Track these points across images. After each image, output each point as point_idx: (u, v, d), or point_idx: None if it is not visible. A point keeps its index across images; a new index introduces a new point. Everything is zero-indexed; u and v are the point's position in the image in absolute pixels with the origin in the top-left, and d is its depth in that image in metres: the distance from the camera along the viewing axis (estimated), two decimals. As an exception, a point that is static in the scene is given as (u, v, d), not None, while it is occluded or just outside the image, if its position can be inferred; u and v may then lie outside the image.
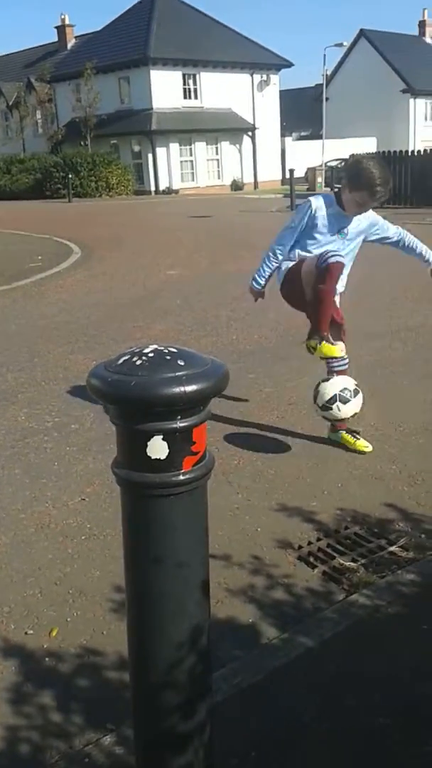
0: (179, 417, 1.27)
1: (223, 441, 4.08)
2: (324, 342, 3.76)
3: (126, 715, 1.78)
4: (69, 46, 39.56)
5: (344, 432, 3.95)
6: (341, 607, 2.53)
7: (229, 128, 33.39)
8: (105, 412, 1.33)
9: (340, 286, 3.87)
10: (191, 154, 33.16)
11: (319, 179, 28.35)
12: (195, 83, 32.83)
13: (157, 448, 1.27)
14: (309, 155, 33.69)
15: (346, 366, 3.90)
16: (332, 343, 3.77)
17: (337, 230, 3.76)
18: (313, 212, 3.74)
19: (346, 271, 3.82)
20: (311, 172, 29.22)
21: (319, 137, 36.12)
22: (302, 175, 28.66)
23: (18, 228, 16.71)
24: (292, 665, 2.22)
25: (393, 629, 2.38)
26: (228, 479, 3.61)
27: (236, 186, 33.89)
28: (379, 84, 38.94)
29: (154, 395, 1.23)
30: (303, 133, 44.83)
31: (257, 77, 34.65)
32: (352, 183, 3.62)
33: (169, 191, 31.77)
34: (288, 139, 36.94)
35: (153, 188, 32.02)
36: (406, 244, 3.98)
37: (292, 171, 20.86)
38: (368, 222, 3.85)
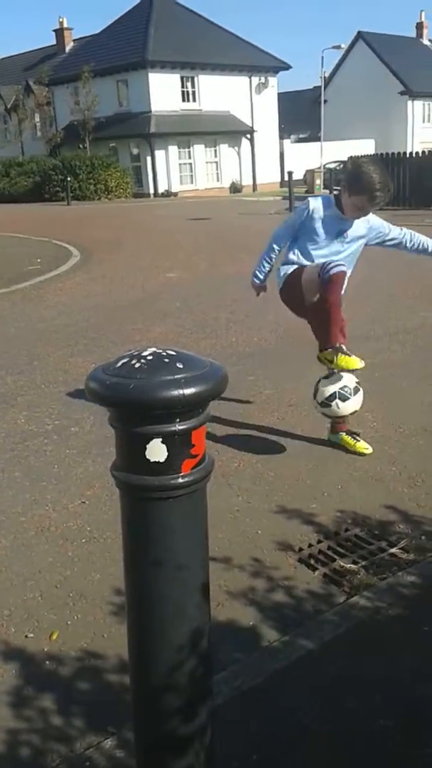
0: (178, 420, 1.27)
1: (223, 443, 4.08)
2: (341, 354, 3.58)
3: (127, 718, 1.78)
4: (67, 49, 39.55)
5: (344, 434, 3.95)
6: (342, 609, 2.53)
7: (227, 131, 33.41)
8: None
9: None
10: (190, 157, 33.16)
11: (318, 181, 28.41)
12: (193, 86, 32.84)
13: (156, 451, 1.27)
14: (307, 157, 33.68)
15: None
16: (349, 354, 3.57)
17: (335, 233, 3.74)
18: (310, 212, 3.73)
19: (347, 275, 3.81)
20: (310, 174, 29.28)
21: (318, 139, 36.13)
22: (301, 177, 28.70)
23: (17, 231, 16.70)
24: (293, 668, 2.22)
25: (394, 631, 2.38)
26: (228, 481, 3.61)
27: (235, 188, 33.91)
28: (377, 86, 38.95)
29: (153, 398, 1.23)
30: (301, 136, 44.80)
31: (255, 80, 34.66)
32: (351, 187, 3.60)
33: (168, 194, 31.76)
34: (286, 142, 36.93)
35: (152, 191, 32.01)
36: (413, 243, 3.89)
37: (290, 173, 20.89)
38: (369, 225, 3.81)
